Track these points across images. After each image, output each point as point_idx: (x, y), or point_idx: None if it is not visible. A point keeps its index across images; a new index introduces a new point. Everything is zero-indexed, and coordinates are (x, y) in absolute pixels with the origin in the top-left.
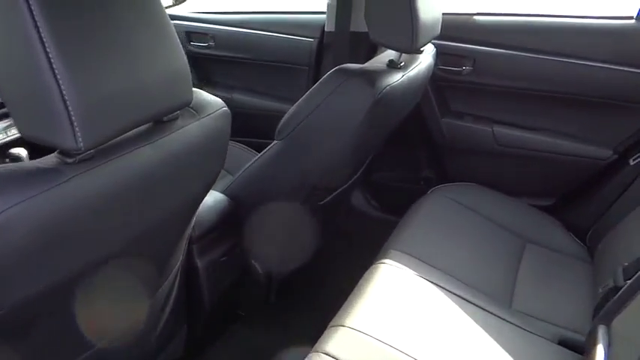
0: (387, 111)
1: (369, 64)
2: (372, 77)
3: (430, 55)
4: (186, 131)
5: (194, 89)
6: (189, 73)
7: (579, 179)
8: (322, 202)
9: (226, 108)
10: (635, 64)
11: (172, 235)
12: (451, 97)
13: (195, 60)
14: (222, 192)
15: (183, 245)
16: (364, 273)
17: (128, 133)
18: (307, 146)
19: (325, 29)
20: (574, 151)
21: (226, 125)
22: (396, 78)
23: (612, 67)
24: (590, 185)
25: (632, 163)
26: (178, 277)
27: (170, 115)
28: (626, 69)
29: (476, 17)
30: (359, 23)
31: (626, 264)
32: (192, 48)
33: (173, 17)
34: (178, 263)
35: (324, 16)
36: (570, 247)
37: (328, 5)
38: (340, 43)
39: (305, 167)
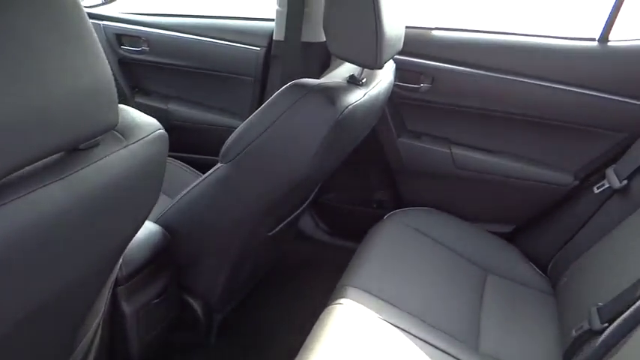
0: (347, 132)
1: (328, 79)
2: (332, 95)
3: (391, 71)
4: (110, 162)
5: (122, 107)
6: (114, 88)
7: (539, 206)
8: (271, 233)
9: (162, 130)
10: (596, 87)
11: (93, 286)
12: (408, 116)
13: (127, 66)
14: (157, 220)
15: (107, 291)
16: (316, 310)
17: (29, 167)
18: (257, 171)
19: (274, 38)
20: (534, 176)
21: (162, 152)
22: (358, 96)
23: (573, 89)
24: (550, 212)
25: (596, 191)
26: (100, 328)
27: (88, 142)
28: (587, 92)
29: (435, 32)
30: (311, 33)
31: (601, 304)
32: (123, 52)
33: (102, 17)
34: (101, 312)
35: (273, 23)
36: (532, 279)
37: (277, 12)
38: (290, 54)
39: (253, 194)
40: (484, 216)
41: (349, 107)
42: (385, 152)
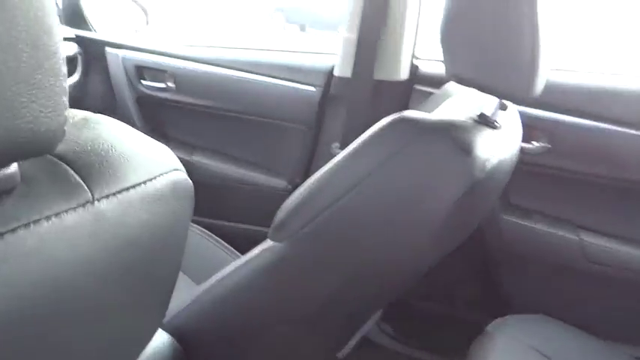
0: (482, 199)
1: (445, 114)
2: (466, 138)
3: (517, 117)
4: (44, 238)
5: (88, 115)
6: (62, 64)
7: None
8: (341, 353)
9: (182, 173)
10: None
11: None
12: (513, 185)
13: (147, 106)
14: (166, 323)
15: None
16: None
17: None
18: (332, 256)
19: (335, 74)
20: None
21: (181, 216)
22: (499, 144)
23: None
24: None
25: None
26: None
27: None
28: None
29: (554, 73)
30: (384, 69)
31: None
32: (143, 89)
33: (121, 47)
34: None
35: (330, 58)
36: None
37: (344, 41)
38: (359, 94)
39: (323, 292)
40: (625, 332)
41: (491, 160)
42: (481, 233)
